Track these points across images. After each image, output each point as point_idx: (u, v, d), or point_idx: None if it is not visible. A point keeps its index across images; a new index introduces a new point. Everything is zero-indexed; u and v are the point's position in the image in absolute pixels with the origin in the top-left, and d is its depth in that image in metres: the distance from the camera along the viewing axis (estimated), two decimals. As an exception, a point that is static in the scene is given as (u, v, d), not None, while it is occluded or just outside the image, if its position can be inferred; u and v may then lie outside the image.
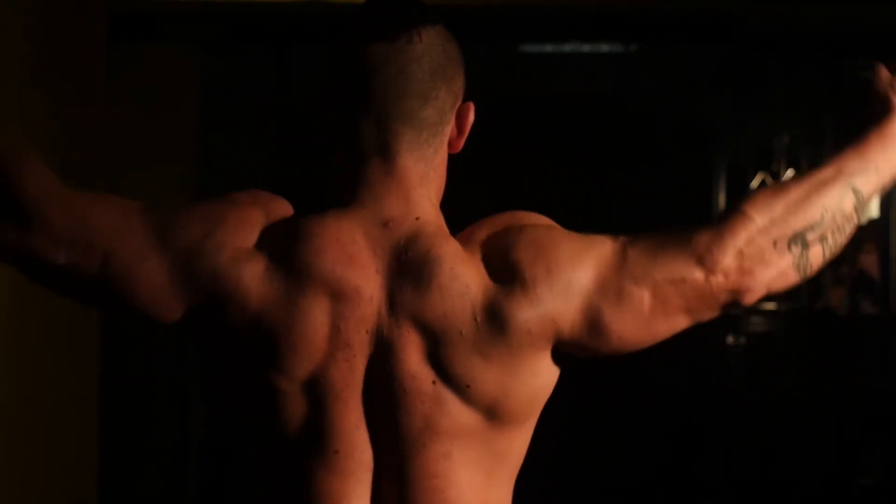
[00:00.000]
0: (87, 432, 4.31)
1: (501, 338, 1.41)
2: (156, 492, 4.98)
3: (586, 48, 5.27)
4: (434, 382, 1.40)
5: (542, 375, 1.45)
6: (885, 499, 5.08)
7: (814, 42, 5.06)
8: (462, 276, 1.41)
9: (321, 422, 1.41)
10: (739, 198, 1.49)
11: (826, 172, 1.49)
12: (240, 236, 1.43)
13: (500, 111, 5.88)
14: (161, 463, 4.97)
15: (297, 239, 1.42)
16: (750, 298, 1.47)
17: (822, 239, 1.47)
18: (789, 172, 6.56)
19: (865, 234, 6.10)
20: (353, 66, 1.45)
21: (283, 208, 1.47)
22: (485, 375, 1.41)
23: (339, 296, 1.40)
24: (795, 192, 1.48)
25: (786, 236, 1.46)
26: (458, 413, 1.41)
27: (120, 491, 4.78)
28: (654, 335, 1.46)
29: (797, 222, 1.47)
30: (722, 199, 5.76)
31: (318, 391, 1.41)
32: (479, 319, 1.40)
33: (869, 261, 5.87)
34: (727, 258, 1.44)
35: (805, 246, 1.47)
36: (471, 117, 1.50)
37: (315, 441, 1.42)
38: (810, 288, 6.16)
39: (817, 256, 1.48)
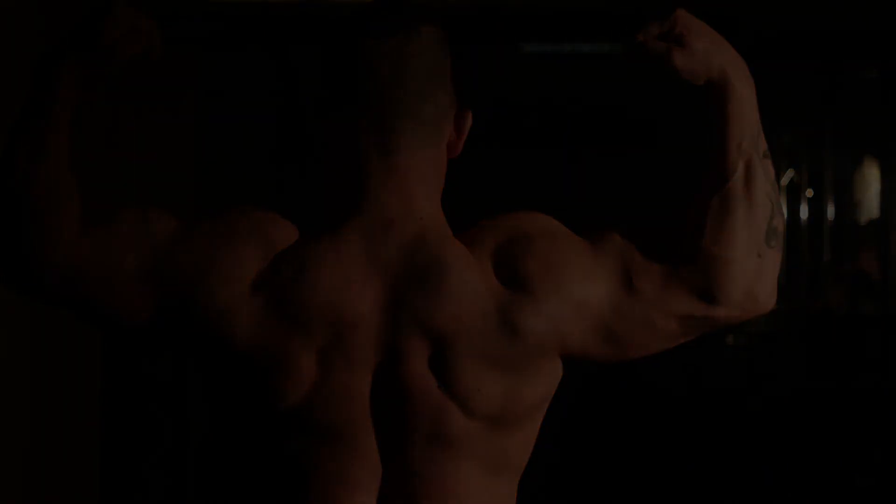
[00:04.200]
0: (87, 432, 4.31)
1: (511, 345, 1.41)
2: (156, 491, 4.98)
3: (586, 48, 5.26)
4: (441, 387, 1.40)
5: (550, 378, 1.46)
6: (885, 499, 5.08)
7: (814, 42, 5.06)
8: (472, 282, 1.40)
9: (322, 433, 1.42)
10: (699, 233, 1.46)
11: (738, 169, 1.47)
12: (235, 275, 1.42)
13: (499, 111, 5.89)
14: (161, 463, 4.97)
15: (293, 274, 1.41)
16: (766, 307, 1.49)
17: (780, 213, 1.49)
18: (789, 172, 6.56)
19: (865, 234, 6.10)
20: (349, 62, 1.45)
21: (282, 233, 1.45)
22: (494, 380, 1.41)
23: (338, 323, 1.40)
24: (741, 208, 1.46)
25: (760, 242, 1.47)
26: (466, 417, 1.41)
27: (120, 491, 4.78)
28: (665, 347, 1.49)
29: (759, 226, 1.47)
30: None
31: (315, 409, 1.41)
32: (489, 326, 1.40)
33: (869, 261, 5.87)
34: (736, 297, 1.46)
35: (775, 233, 1.48)
36: (469, 121, 1.50)
37: (317, 449, 1.42)
38: (810, 288, 6.16)
39: (781, 225, 1.49)
